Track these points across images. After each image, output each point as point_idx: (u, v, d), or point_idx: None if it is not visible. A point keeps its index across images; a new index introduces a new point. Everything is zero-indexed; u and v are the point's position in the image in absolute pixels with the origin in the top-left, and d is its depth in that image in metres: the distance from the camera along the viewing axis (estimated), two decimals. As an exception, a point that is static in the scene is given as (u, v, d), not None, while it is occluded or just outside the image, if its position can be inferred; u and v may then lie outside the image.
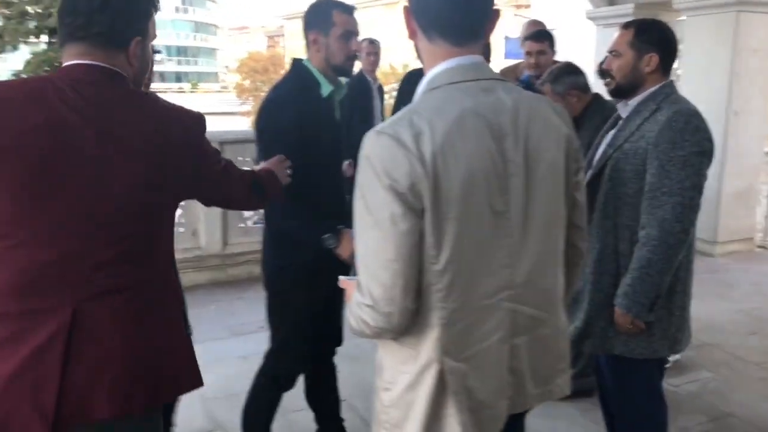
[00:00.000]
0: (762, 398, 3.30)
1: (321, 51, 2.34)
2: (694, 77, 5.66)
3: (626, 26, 2.33)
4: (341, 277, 1.61)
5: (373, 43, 5.07)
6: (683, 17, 5.99)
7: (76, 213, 1.34)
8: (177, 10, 67.01)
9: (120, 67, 1.43)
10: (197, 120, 1.54)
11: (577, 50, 6.46)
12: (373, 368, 1.49)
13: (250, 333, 4.06)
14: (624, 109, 2.30)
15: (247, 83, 53.04)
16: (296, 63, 2.43)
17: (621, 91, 2.33)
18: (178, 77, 65.80)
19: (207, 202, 1.79)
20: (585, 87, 3.09)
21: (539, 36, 3.80)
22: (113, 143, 1.36)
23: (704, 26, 5.57)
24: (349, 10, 2.35)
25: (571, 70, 3.11)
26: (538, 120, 1.37)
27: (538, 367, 1.46)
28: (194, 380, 1.55)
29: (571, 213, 1.48)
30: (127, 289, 1.41)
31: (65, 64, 1.41)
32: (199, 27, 70.27)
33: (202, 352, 1.70)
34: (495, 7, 1.37)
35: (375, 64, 5.08)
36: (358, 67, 5.19)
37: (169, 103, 1.51)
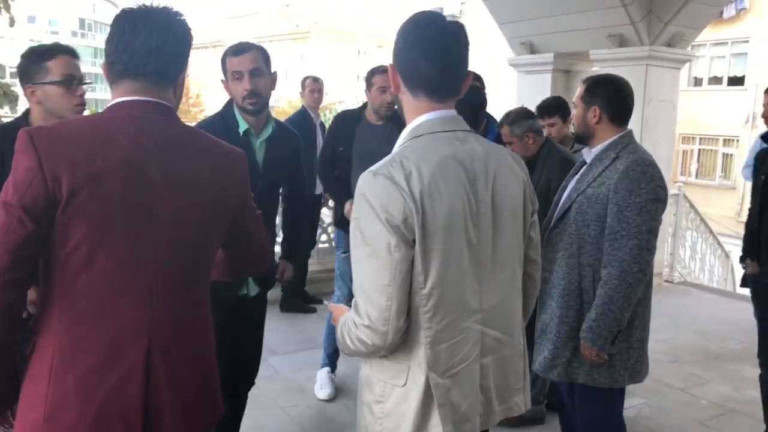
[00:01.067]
0: (691, 421, 3.58)
1: (228, 93, 2.54)
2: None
3: (583, 81, 2.56)
4: (327, 302, 1.83)
5: (316, 81, 5.15)
6: (597, 68, 6.46)
7: (148, 247, 1.36)
8: (74, 34, 64.44)
9: (169, 101, 1.47)
10: (243, 157, 1.60)
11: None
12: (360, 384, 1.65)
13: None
14: (588, 155, 2.51)
15: (150, 112, 51.47)
16: (228, 101, 2.59)
17: (579, 139, 2.56)
18: (75, 103, 62.92)
19: (236, 249, 1.70)
20: (539, 130, 3.33)
21: None
22: (181, 185, 1.40)
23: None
24: (237, 52, 2.48)
25: (528, 114, 3.34)
26: (504, 167, 1.60)
27: (501, 386, 1.64)
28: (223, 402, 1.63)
29: (527, 248, 1.71)
30: (187, 314, 1.46)
31: (119, 100, 1.43)
32: (99, 53, 67.78)
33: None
34: (469, 69, 1.59)
35: (318, 101, 5.17)
36: (302, 103, 5.26)
37: (216, 139, 1.57)
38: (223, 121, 2.52)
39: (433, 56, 1.51)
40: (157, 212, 1.37)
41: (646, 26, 5.83)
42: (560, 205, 2.53)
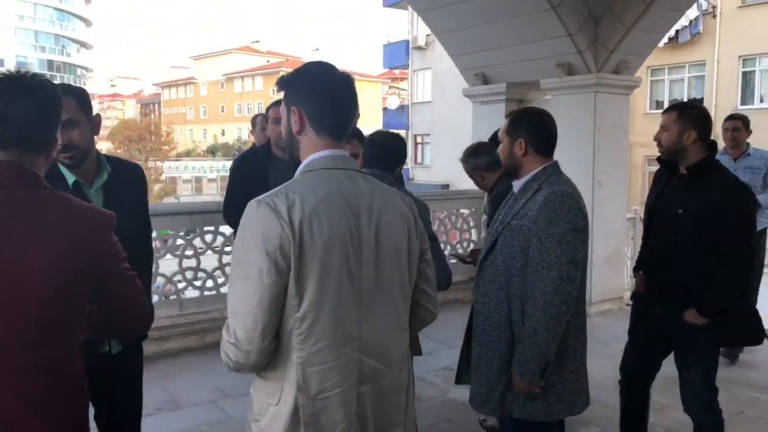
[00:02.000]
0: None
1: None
2: (563, 151, 6.14)
3: (507, 116, 2.57)
4: None
5: (266, 117, 5.13)
6: (549, 96, 6.55)
7: None
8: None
9: (38, 167, 1.50)
10: (105, 221, 1.58)
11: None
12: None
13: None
14: (516, 187, 2.51)
15: (119, 152, 51.14)
16: None
17: (508, 172, 2.56)
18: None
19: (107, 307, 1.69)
20: (487, 166, 3.33)
21: None
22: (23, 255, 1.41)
23: (568, 105, 6.12)
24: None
25: (476, 151, 3.38)
26: (388, 206, 1.68)
27: (379, 417, 1.68)
28: None
29: (420, 282, 1.78)
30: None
31: None
32: None
33: None
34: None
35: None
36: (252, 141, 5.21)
37: (75, 205, 1.54)
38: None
39: (337, 102, 1.68)
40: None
41: (593, 54, 5.93)
42: (490, 237, 2.52)
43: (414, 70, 25.99)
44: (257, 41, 70.88)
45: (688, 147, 2.81)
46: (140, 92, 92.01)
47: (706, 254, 2.77)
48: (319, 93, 1.67)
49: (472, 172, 3.34)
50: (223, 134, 63.99)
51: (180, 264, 5.43)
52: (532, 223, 2.33)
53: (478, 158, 3.36)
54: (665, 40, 19.34)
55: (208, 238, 5.56)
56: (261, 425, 1.62)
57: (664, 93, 20.96)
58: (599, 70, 5.96)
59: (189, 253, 5.44)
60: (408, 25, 25.52)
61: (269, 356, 1.57)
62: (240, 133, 59.41)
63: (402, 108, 27.92)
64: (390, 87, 51.45)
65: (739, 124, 4.88)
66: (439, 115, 24.16)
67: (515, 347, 2.37)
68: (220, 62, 65.26)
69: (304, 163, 1.69)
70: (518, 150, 2.46)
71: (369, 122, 38.53)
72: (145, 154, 46.97)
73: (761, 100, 19.37)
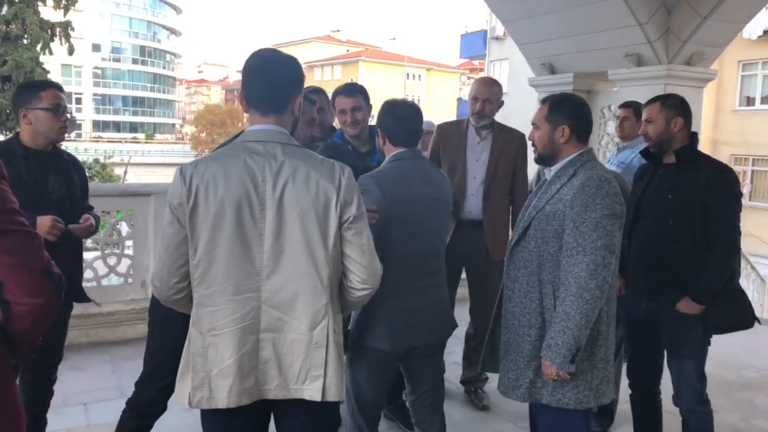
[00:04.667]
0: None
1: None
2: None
3: (543, 101, 2.55)
4: None
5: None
6: (617, 88, 6.37)
7: None
8: (135, 61, 67.08)
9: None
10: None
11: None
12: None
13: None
14: (548, 173, 2.50)
15: (203, 135, 53.02)
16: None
17: (542, 160, 2.54)
18: (134, 127, 65.33)
19: None
20: None
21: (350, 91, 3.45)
22: None
23: (636, 97, 5.93)
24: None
25: None
26: (299, 175, 1.85)
27: (290, 366, 1.87)
28: None
29: (344, 247, 1.93)
30: None
31: None
32: (157, 79, 70.33)
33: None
34: (298, 87, 1.98)
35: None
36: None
37: None
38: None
39: (256, 79, 1.92)
40: None
41: (664, 45, 5.72)
42: (521, 222, 2.52)
43: (491, 61, 25.64)
44: (338, 30, 71.58)
45: (675, 135, 2.90)
46: (225, 78, 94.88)
47: (696, 238, 2.79)
48: (246, 74, 1.94)
49: None
50: (301, 121, 64.81)
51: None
52: (568, 208, 2.32)
53: None
54: (759, 32, 18.34)
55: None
56: (185, 347, 1.93)
57: (757, 88, 19.75)
58: (670, 62, 5.75)
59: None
60: (486, 15, 25.16)
61: (180, 293, 1.90)
62: (317, 120, 60.12)
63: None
64: (468, 78, 51.00)
65: (629, 112, 4.39)
66: (514, 107, 23.71)
67: (546, 333, 2.37)
68: (302, 50, 66.32)
69: (232, 135, 2.06)
70: (560, 137, 2.44)
71: (444, 112, 38.36)
72: (225, 138, 48.44)
73: None
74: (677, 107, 2.94)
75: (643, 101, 5.94)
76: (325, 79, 64.46)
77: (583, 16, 6.02)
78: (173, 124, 74.11)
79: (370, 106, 3.47)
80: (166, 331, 2.56)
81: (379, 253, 2.04)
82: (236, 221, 1.81)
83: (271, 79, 1.93)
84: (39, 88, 2.81)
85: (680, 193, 2.85)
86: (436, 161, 3.90)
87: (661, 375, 3.13)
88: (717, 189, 2.79)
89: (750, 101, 19.84)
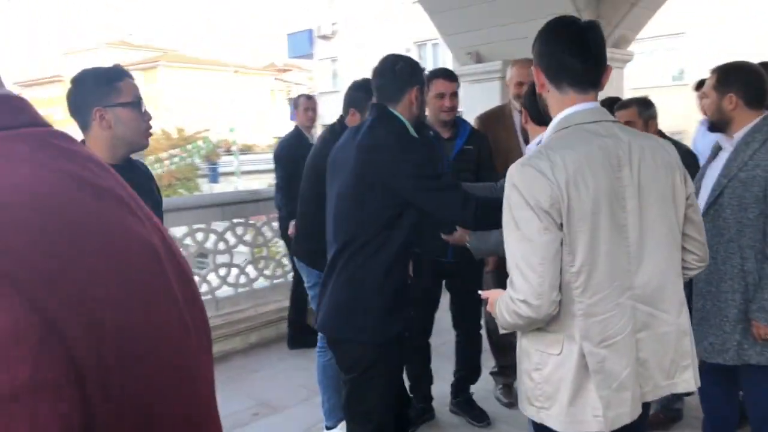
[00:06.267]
0: None
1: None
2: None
3: (713, 71, 2.62)
4: (481, 292, 1.99)
5: (310, 99, 4.96)
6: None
7: None
8: None
9: None
10: None
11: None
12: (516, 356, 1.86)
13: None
14: (728, 142, 2.57)
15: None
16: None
17: (715, 127, 2.61)
18: None
19: None
20: None
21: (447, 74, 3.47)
22: None
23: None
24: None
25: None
26: (648, 154, 1.72)
27: (662, 362, 1.76)
28: None
29: (686, 228, 1.82)
30: None
31: None
32: None
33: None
34: (608, 63, 1.78)
35: (312, 119, 4.94)
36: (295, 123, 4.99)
37: None
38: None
39: (577, 51, 1.70)
40: None
41: (597, 30, 6.17)
42: (709, 191, 2.57)
43: (319, 59, 25.72)
44: (130, 34, 67.11)
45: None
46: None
47: None
48: (554, 45, 1.73)
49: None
50: (99, 134, 60.06)
51: (213, 260, 5.12)
52: None
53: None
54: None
55: (239, 230, 5.29)
56: (544, 374, 1.72)
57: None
58: (602, 46, 6.21)
59: (222, 247, 5.15)
60: (312, 13, 25.19)
61: (556, 309, 1.64)
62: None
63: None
64: (276, 79, 50.49)
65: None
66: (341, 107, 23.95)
67: (753, 295, 2.44)
68: (90, 57, 61.24)
69: (556, 120, 1.74)
70: (728, 105, 2.52)
71: (258, 116, 37.63)
72: None
73: None
74: (651, 107, 3.23)
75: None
76: (121, 87, 60.06)
77: (515, 5, 6.26)
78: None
79: None
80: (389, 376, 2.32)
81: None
82: (610, 215, 1.66)
83: (593, 50, 1.74)
84: (114, 78, 2.09)
85: None
86: (487, 152, 3.83)
87: None
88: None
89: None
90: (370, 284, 2.24)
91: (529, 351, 1.77)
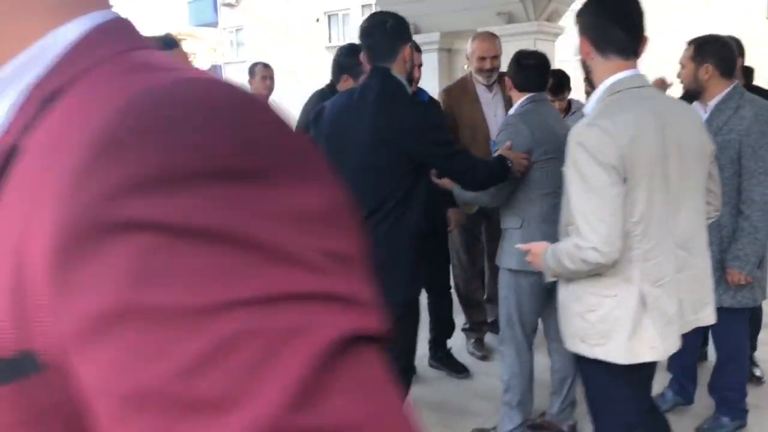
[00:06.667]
0: None
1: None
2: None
3: (689, 43, 2.86)
4: (518, 245, 2.29)
5: (267, 67, 4.84)
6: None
7: None
8: None
9: None
10: None
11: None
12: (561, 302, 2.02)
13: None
14: (702, 109, 2.82)
15: None
16: None
17: (690, 95, 2.86)
18: None
19: None
20: None
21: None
22: None
23: (507, 50, 6.53)
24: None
25: None
26: (683, 116, 1.95)
27: (692, 299, 1.99)
28: None
29: (707, 182, 2.07)
30: None
31: None
32: None
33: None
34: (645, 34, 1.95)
35: (270, 88, 4.86)
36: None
37: None
38: None
39: (622, 22, 1.88)
40: None
41: (532, 3, 6.41)
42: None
43: (224, 28, 24.91)
44: None
45: None
46: None
47: None
48: (601, 15, 1.90)
49: None
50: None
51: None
52: (743, 136, 2.67)
53: None
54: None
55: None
56: (600, 314, 1.89)
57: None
58: (537, 19, 6.46)
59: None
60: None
61: (620, 254, 1.80)
62: None
63: (213, 68, 26.65)
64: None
65: None
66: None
67: (729, 246, 2.73)
68: None
69: (605, 86, 1.91)
70: (704, 74, 2.77)
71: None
72: None
73: None
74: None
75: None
76: None
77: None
78: None
79: None
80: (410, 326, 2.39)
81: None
82: (661, 170, 1.85)
83: (636, 20, 1.92)
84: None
85: None
86: (451, 124, 3.95)
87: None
88: None
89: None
90: (402, 247, 2.32)
91: (580, 295, 1.93)
